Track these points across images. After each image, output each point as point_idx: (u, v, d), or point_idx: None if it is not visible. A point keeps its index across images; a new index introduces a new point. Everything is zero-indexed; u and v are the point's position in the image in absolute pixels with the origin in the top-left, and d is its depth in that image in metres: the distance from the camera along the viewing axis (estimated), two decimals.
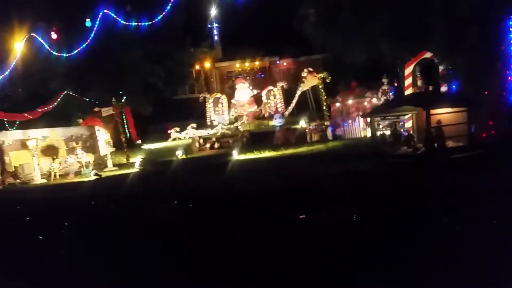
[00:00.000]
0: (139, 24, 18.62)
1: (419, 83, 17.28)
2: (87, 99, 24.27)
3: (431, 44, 16.36)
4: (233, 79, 32.84)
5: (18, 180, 18.88)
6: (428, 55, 17.30)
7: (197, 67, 33.57)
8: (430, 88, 16.54)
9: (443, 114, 14.00)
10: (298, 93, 26.62)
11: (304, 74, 26.14)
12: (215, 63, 34.09)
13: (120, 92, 26.48)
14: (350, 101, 21.32)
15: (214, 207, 9.77)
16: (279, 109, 28.38)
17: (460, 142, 13.96)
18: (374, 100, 21.08)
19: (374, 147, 15.45)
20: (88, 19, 16.81)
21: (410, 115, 15.17)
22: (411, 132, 15.11)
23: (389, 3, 17.69)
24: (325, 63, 29.72)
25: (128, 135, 26.57)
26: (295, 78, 31.67)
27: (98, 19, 17.08)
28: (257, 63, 33.30)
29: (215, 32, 34.26)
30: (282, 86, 29.47)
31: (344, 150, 17.85)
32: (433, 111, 13.81)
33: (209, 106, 30.39)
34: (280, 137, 22.90)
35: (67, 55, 18.66)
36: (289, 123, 25.13)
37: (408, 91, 17.65)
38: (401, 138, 14.61)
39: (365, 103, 21.22)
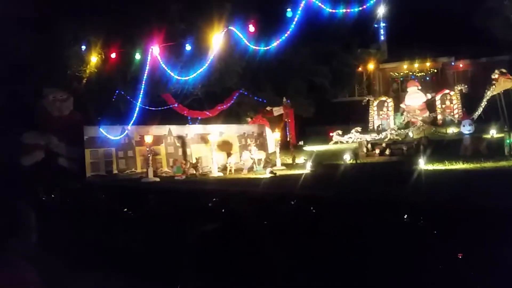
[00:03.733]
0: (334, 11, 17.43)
1: None
2: (258, 98, 24.70)
3: None
4: (400, 81, 30.49)
5: (198, 172, 19.74)
6: None
7: (359, 68, 32.05)
8: None
9: None
10: (487, 97, 23.17)
11: (495, 75, 22.63)
12: (380, 64, 32.09)
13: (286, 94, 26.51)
14: None
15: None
16: (458, 115, 25.21)
17: None
18: None
19: None
20: (289, 9, 16.42)
21: None
22: None
23: None
24: None
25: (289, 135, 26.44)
26: (473, 81, 28.14)
27: (299, 10, 16.52)
28: (427, 64, 30.28)
29: (382, 31, 32.28)
30: (461, 90, 26.22)
31: None
32: None
33: (373, 110, 28.66)
34: (468, 147, 20.02)
35: (265, 48, 18.61)
36: (475, 131, 21.94)
37: None
38: None
39: None
